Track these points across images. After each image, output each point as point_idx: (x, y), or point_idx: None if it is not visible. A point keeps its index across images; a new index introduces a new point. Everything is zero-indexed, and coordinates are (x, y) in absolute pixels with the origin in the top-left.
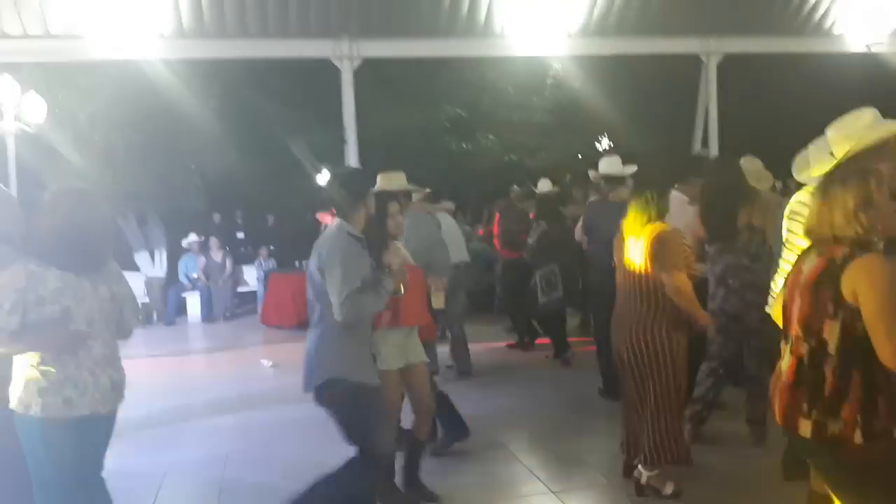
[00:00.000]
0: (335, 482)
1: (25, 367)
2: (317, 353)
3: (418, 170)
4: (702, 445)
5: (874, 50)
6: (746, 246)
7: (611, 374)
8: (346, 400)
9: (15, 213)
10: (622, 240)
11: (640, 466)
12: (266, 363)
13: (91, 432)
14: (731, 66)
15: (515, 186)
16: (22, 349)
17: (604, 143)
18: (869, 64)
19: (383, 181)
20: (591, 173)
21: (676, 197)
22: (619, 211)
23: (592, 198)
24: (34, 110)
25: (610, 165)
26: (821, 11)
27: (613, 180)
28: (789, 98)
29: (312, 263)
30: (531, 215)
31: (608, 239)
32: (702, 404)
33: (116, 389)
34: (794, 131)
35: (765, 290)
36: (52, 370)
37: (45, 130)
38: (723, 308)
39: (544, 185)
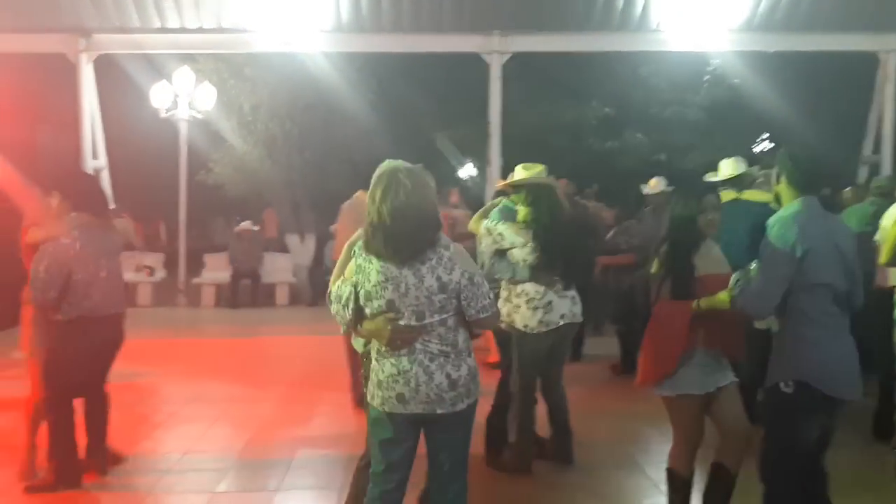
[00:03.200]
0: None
1: (372, 358)
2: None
3: (561, 168)
4: None
5: None
6: None
7: None
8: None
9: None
10: None
11: None
12: None
13: (428, 430)
14: None
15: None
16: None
17: (762, 146)
18: None
19: (523, 172)
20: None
21: None
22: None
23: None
24: (205, 99)
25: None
26: None
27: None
28: None
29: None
30: None
31: None
32: None
33: (454, 388)
34: None
35: None
36: (388, 363)
37: (213, 117)
38: None
39: (657, 184)
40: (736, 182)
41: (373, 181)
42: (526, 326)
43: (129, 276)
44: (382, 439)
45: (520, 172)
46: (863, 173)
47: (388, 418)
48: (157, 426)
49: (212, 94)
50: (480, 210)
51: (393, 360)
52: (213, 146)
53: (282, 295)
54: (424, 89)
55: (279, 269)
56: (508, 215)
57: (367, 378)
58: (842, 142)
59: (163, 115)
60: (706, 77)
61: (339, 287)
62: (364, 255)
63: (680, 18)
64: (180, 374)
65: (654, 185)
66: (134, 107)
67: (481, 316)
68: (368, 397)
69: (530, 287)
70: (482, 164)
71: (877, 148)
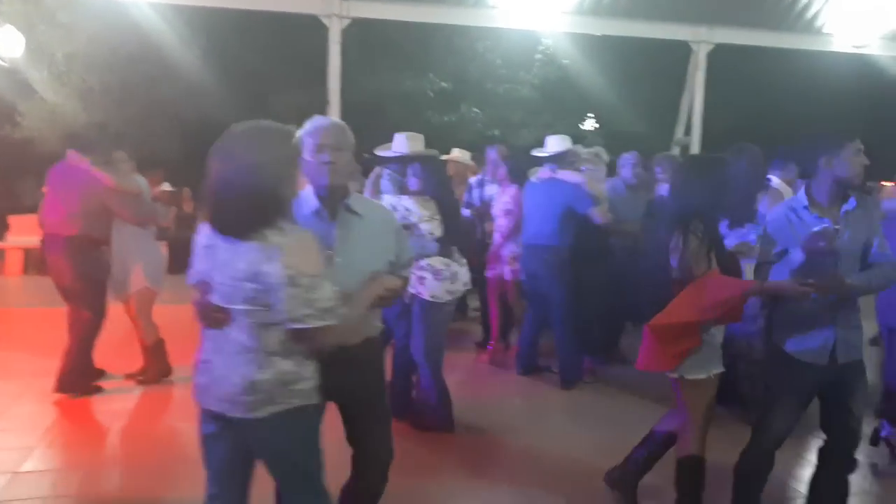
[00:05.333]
0: None
1: None
2: None
3: None
4: None
5: (861, 51)
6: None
7: None
8: None
9: None
10: None
11: None
12: None
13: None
14: (720, 57)
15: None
16: None
17: (587, 125)
18: (856, 64)
19: (410, 142)
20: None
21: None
22: None
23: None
24: (11, 45)
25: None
26: (812, 10)
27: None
28: (775, 92)
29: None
30: None
31: None
32: None
33: (252, 392)
34: (777, 124)
35: None
36: (205, 344)
37: (21, 66)
38: None
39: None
40: (559, 158)
41: None
42: (434, 297)
43: None
44: (201, 432)
45: (406, 143)
46: (675, 153)
47: (200, 408)
48: None
49: (18, 40)
50: (368, 183)
51: (206, 343)
52: (21, 97)
53: None
54: (260, 51)
55: None
56: (401, 188)
57: None
58: (657, 124)
59: None
60: (538, 56)
61: None
62: None
63: None
64: None
65: (458, 156)
66: None
67: (294, 325)
68: None
69: (437, 260)
70: None
71: (688, 131)
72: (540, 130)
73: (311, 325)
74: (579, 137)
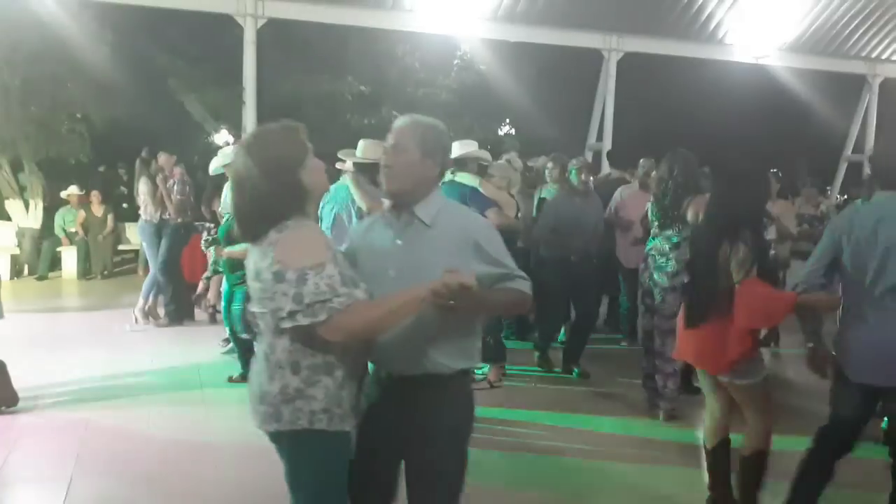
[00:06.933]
0: None
1: None
2: None
3: (321, 141)
4: None
5: (761, 62)
6: (672, 235)
7: None
8: None
9: None
10: None
11: None
12: (128, 328)
13: None
14: (630, 65)
15: None
16: None
17: (504, 129)
18: (756, 74)
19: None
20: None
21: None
22: None
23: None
24: None
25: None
26: (715, 21)
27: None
28: (683, 99)
29: None
30: None
31: None
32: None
33: (263, 402)
34: (683, 130)
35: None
36: None
37: None
38: (640, 283)
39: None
40: (458, 162)
41: None
42: None
43: None
44: None
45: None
46: (589, 158)
47: None
48: None
49: None
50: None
51: None
52: None
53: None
54: (174, 49)
55: None
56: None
57: None
58: (570, 128)
59: None
60: (456, 61)
61: None
62: None
63: (433, 2)
64: None
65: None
66: None
67: (283, 325)
68: None
69: None
70: (238, 131)
71: (600, 135)
72: (460, 135)
73: (297, 323)
74: (497, 142)
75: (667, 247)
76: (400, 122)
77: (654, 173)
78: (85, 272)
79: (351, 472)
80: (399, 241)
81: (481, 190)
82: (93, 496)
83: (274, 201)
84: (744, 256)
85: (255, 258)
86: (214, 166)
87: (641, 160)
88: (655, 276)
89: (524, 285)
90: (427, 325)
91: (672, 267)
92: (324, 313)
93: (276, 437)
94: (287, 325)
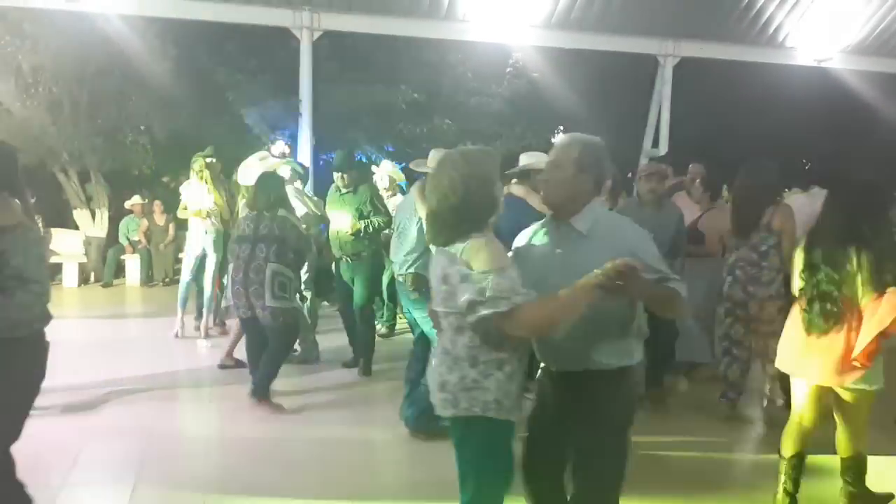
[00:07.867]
0: None
1: None
2: None
3: (375, 150)
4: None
5: (823, 65)
6: (758, 244)
7: None
8: None
9: None
10: None
11: None
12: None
13: None
14: (686, 70)
15: None
16: None
17: (558, 137)
18: (818, 78)
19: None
20: None
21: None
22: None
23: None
24: None
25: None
26: (774, 24)
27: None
28: (740, 105)
29: None
30: None
31: None
32: (725, 384)
33: (443, 389)
34: (741, 137)
35: (766, 285)
36: None
37: None
38: (729, 294)
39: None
40: (522, 174)
41: None
42: None
43: None
44: None
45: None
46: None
47: None
48: None
49: None
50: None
51: None
52: None
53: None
54: (233, 62)
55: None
56: None
57: None
58: (625, 135)
59: None
60: (508, 69)
61: None
62: None
63: (485, 11)
64: None
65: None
66: None
67: (467, 317)
68: None
69: None
70: (295, 143)
71: (655, 142)
72: (512, 142)
73: (483, 313)
74: (550, 150)
75: (754, 256)
76: (559, 139)
77: (697, 181)
78: (147, 279)
79: (526, 449)
80: (559, 251)
81: (528, 201)
82: (156, 499)
83: (471, 211)
84: (868, 267)
85: (443, 264)
86: (248, 175)
87: (690, 165)
88: (749, 287)
89: (680, 287)
90: (589, 325)
91: (766, 276)
92: (504, 305)
93: (451, 421)
94: (471, 316)
